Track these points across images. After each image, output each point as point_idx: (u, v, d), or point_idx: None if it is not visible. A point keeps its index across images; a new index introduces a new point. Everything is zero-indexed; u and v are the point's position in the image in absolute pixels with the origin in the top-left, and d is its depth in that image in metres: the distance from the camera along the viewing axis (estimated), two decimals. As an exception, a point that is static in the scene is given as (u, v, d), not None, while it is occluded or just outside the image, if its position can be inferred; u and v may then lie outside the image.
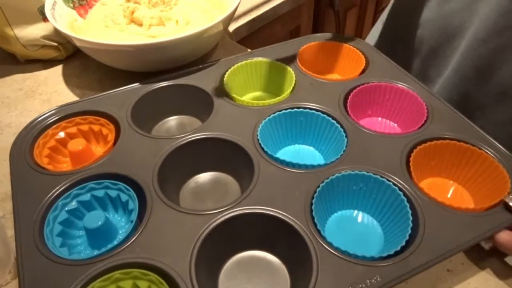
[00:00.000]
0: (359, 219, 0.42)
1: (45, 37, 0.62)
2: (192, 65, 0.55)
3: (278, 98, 0.50)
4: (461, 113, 0.47)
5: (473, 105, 0.49)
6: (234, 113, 0.48)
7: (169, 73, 0.53)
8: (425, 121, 0.47)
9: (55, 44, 0.64)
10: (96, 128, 0.48)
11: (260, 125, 0.46)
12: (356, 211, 0.42)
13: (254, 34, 0.89)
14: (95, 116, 0.48)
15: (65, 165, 0.46)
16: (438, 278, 0.39)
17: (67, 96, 0.60)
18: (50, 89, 0.61)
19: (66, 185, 0.41)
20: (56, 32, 0.62)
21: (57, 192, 0.40)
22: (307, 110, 0.47)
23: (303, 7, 1.10)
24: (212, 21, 0.54)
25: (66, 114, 0.48)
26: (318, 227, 0.36)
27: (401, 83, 0.51)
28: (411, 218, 0.37)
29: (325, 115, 0.47)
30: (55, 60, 0.66)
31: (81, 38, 0.52)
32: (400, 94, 0.50)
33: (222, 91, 0.51)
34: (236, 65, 0.54)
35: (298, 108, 0.48)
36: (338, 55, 0.58)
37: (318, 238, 0.36)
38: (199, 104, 0.51)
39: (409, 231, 0.36)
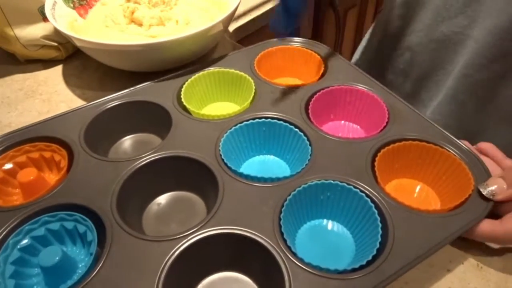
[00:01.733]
0: (330, 228, 0.41)
1: (45, 37, 0.63)
2: (192, 65, 0.55)
3: (238, 109, 0.48)
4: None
5: (471, 130, 0.48)
6: (194, 128, 0.46)
7: (169, 73, 0.53)
8: (387, 122, 0.46)
9: (55, 44, 0.64)
10: (47, 155, 0.45)
11: (222, 139, 0.44)
12: (325, 220, 0.41)
13: (254, 34, 0.89)
14: (45, 142, 0.45)
15: (16, 197, 0.43)
16: (438, 278, 0.39)
17: (67, 96, 0.60)
18: (50, 89, 0.61)
19: (16, 221, 0.38)
20: (56, 32, 0.62)
21: (7, 230, 0.37)
22: (269, 120, 0.46)
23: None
24: (212, 21, 0.54)
25: (13, 142, 0.45)
26: (288, 243, 0.35)
27: (361, 85, 0.51)
28: (380, 225, 0.36)
29: (287, 124, 0.46)
30: (55, 60, 0.66)
31: (81, 38, 0.52)
32: (361, 96, 0.50)
33: (180, 106, 0.49)
34: (193, 77, 0.52)
35: (260, 118, 0.46)
36: (297, 60, 0.58)
37: (288, 255, 0.34)
38: (157, 120, 0.49)
39: (379, 239, 0.36)
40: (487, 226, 0.38)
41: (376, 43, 0.66)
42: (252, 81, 0.51)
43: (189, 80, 0.52)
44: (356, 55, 0.74)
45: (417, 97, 0.62)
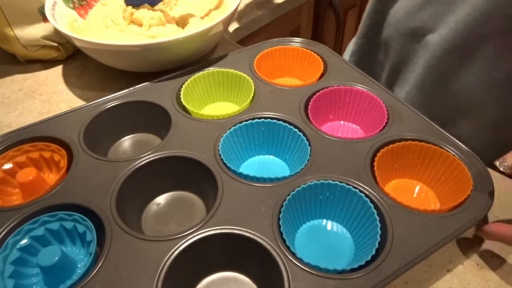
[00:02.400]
0: (329, 228, 0.41)
1: (45, 38, 0.63)
2: (192, 65, 0.55)
3: (238, 109, 0.48)
4: None
5: (438, 120, 0.49)
6: (194, 128, 0.46)
7: (168, 73, 0.53)
8: (386, 122, 0.46)
9: (55, 44, 0.64)
10: (47, 154, 0.45)
11: (221, 139, 0.44)
12: (325, 220, 0.41)
13: (254, 34, 0.89)
14: (45, 142, 0.45)
15: (16, 197, 0.43)
16: (438, 278, 0.39)
17: (67, 96, 0.60)
18: (50, 89, 0.61)
19: (16, 221, 0.38)
20: (56, 32, 0.63)
21: (7, 229, 0.37)
22: (268, 120, 0.46)
23: (303, 7, 1.10)
24: (212, 21, 0.54)
25: (13, 142, 0.45)
26: (287, 242, 0.35)
27: (360, 85, 0.51)
28: (379, 225, 0.36)
29: (286, 124, 0.46)
30: (55, 61, 0.66)
31: (81, 38, 0.52)
32: (360, 97, 0.50)
33: (179, 106, 0.49)
34: (192, 77, 0.52)
35: (259, 118, 0.46)
36: (297, 60, 0.58)
37: (287, 254, 0.34)
38: (157, 120, 0.49)
39: (378, 238, 0.36)
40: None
41: (362, 37, 0.69)
42: (251, 81, 0.51)
43: (188, 80, 0.52)
44: (348, 51, 0.76)
45: (391, 89, 0.65)
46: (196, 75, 0.52)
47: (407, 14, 0.57)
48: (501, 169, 0.38)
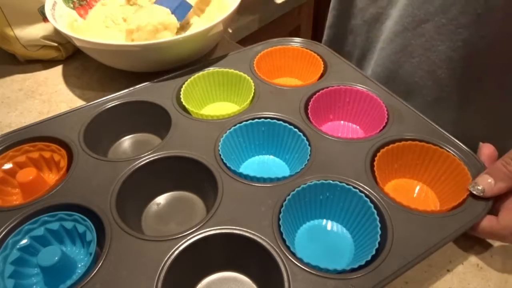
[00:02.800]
0: (329, 228, 0.41)
1: (45, 38, 0.63)
2: (192, 65, 0.55)
3: (238, 109, 0.48)
4: None
5: None
6: (194, 128, 0.46)
7: (169, 73, 0.53)
8: (386, 122, 0.46)
9: (55, 44, 0.64)
10: (47, 154, 0.45)
11: (221, 139, 0.44)
12: (325, 220, 0.41)
13: (254, 34, 0.89)
14: (45, 142, 0.45)
15: (16, 197, 0.43)
16: (438, 278, 0.39)
17: (67, 96, 0.60)
18: (50, 89, 0.61)
19: (16, 221, 0.38)
20: (56, 32, 0.63)
21: (7, 229, 0.37)
22: (268, 120, 0.46)
23: (303, 7, 1.10)
24: (212, 21, 0.54)
25: (13, 142, 0.45)
26: (287, 242, 0.35)
27: (360, 85, 0.51)
28: (379, 225, 0.36)
29: (286, 124, 0.46)
30: (55, 61, 0.66)
31: (81, 38, 0.52)
32: (360, 97, 0.50)
33: (179, 106, 0.49)
34: (192, 77, 0.52)
35: (259, 118, 0.46)
36: (297, 60, 0.58)
37: (287, 254, 0.34)
38: (157, 120, 0.49)
39: (378, 239, 0.36)
40: (486, 223, 0.38)
41: (330, 26, 0.70)
42: (251, 81, 0.51)
43: (188, 80, 0.52)
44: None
45: None
46: (196, 75, 0.52)
47: (369, 1, 0.59)
48: (474, 193, 0.39)
